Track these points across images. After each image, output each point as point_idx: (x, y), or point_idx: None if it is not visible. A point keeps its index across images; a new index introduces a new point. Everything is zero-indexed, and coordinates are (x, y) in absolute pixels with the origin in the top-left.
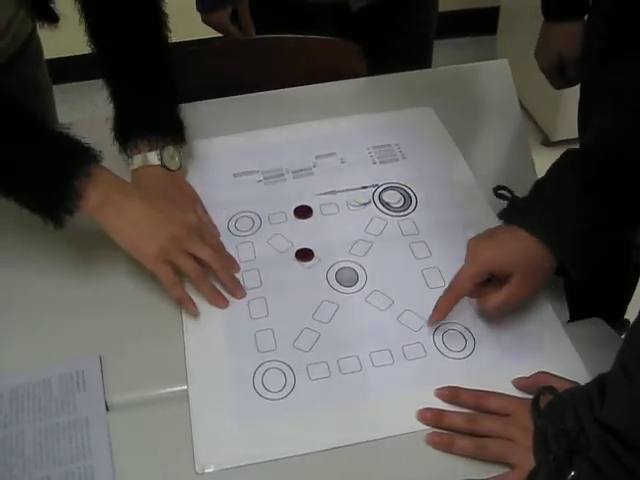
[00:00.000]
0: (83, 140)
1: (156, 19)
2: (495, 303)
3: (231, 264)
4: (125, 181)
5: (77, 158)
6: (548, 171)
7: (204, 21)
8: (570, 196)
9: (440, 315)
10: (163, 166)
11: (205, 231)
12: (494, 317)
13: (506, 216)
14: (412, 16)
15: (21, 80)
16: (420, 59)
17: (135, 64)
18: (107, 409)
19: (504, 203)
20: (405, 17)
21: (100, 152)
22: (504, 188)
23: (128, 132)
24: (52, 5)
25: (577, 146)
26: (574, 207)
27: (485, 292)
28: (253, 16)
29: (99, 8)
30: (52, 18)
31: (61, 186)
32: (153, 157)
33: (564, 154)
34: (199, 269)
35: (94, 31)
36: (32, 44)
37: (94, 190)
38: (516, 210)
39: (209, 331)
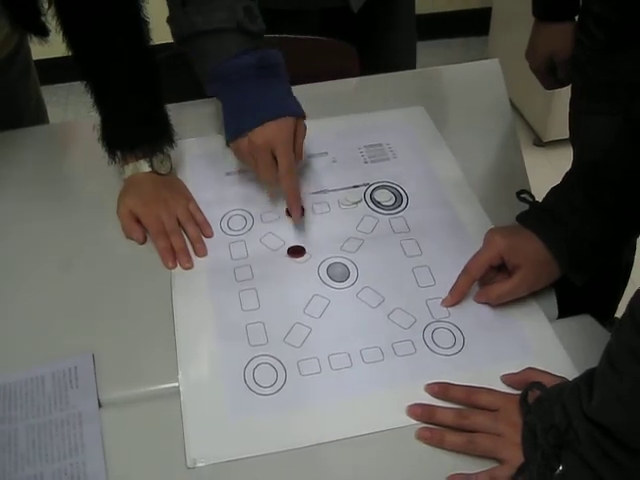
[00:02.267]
0: None
1: (135, 23)
2: (499, 292)
3: None
4: None
5: None
6: (562, 181)
7: (239, 150)
8: (577, 212)
9: (458, 295)
10: (154, 172)
11: None
12: (492, 304)
13: (523, 220)
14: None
15: (7, 94)
16: (409, 49)
17: (115, 69)
18: (100, 405)
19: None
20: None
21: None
22: (526, 192)
23: (115, 144)
24: (43, 18)
25: (568, 145)
26: (580, 223)
27: (490, 283)
28: None
29: (74, 11)
30: (42, 32)
31: None
32: (143, 165)
33: (574, 170)
34: None
35: (71, 35)
36: (20, 54)
37: None
38: (532, 216)
39: (200, 324)
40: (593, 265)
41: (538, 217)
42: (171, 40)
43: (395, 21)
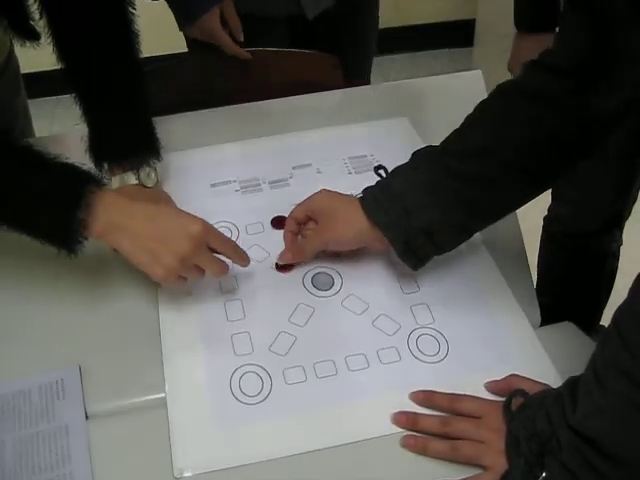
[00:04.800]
0: (81, 166)
1: (126, 37)
2: (303, 245)
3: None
4: (128, 200)
5: (76, 189)
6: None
7: (191, 34)
8: (425, 207)
9: (288, 239)
10: (140, 184)
11: (213, 236)
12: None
13: (366, 198)
14: (357, 23)
15: None
16: (362, 68)
17: (105, 82)
18: (87, 417)
19: None
20: (351, 24)
21: (101, 175)
22: (382, 168)
23: (103, 156)
24: (32, 22)
25: None
26: (422, 215)
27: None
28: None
29: (66, 24)
30: (33, 36)
31: (64, 220)
32: (130, 177)
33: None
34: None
35: (62, 48)
36: (8, 69)
37: (97, 218)
38: (369, 192)
39: (186, 335)
40: (428, 254)
41: (375, 196)
42: (159, 53)
43: (357, 23)
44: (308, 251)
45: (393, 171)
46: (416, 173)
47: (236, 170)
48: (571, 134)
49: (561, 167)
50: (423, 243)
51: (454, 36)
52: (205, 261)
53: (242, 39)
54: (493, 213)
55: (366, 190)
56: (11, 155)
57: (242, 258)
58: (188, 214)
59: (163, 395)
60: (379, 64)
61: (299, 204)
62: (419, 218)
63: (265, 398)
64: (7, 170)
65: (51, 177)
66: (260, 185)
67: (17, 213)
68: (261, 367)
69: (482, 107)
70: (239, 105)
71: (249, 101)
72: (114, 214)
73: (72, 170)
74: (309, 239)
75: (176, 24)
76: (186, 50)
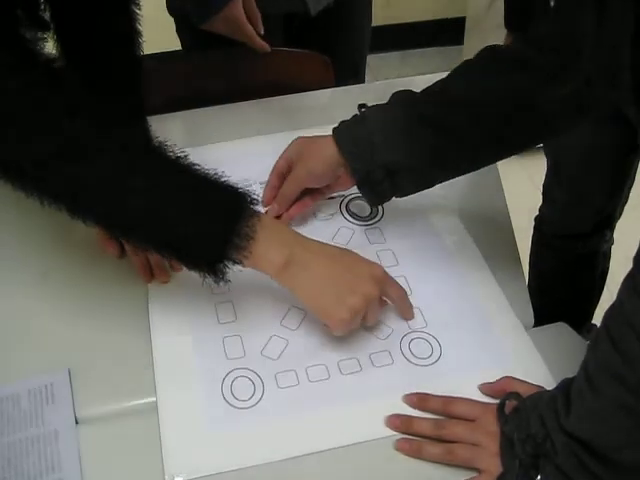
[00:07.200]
0: (235, 184)
1: (128, 35)
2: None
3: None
4: (292, 230)
5: (240, 202)
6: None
7: (213, 27)
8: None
9: (270, 192)
10: None
11: (392, 282)
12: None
13: (339, 124)
14: (353, 23)
15: None
16: (355, 68)
17: (103, 80)
18: (76, 422)
19: None
20: (347, 23)
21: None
22: (365, 106)
23: None
24: (41, 13)
25: (542, 154)
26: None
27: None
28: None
29: (69, 19)
30: (44, 26)
31: (228, 233)
32: None
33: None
34: None
35: (64, 43)
36: None
37: (276, 251)
38: (343, 124)
39: (177, 338)
40: (385, 193)
41: (347, 127)
42: (150, 51)
43: (353, 21)
44: (287, 193)
45: (370, 107)
46: (392, 112)
47: (226, 170)
48: (546, 110)
49: (531, 139)
50: (383, 180)
51: (444, 34)
52: (376, 308)
53: (262, 32)
54: (456, 166)
55: (342, 122)
56: (168, 169)
57: (410, 312)
58: (362, 256)
59: (154, 399)
60: (369, 63)
61: (279, 157)
62: (384, 155)
63: (257, 402)
64: (165, 184)
65: (209, 190)
66: (251, 186)
67: (170, 230)
68: (253, 371)
69: (468, 63)
70: (229, 105)
71: (239, 101)
72: (297, 249)
73: (229, 185)
74: (286, 181)
75: (167, 23)
76: (177, 49)
